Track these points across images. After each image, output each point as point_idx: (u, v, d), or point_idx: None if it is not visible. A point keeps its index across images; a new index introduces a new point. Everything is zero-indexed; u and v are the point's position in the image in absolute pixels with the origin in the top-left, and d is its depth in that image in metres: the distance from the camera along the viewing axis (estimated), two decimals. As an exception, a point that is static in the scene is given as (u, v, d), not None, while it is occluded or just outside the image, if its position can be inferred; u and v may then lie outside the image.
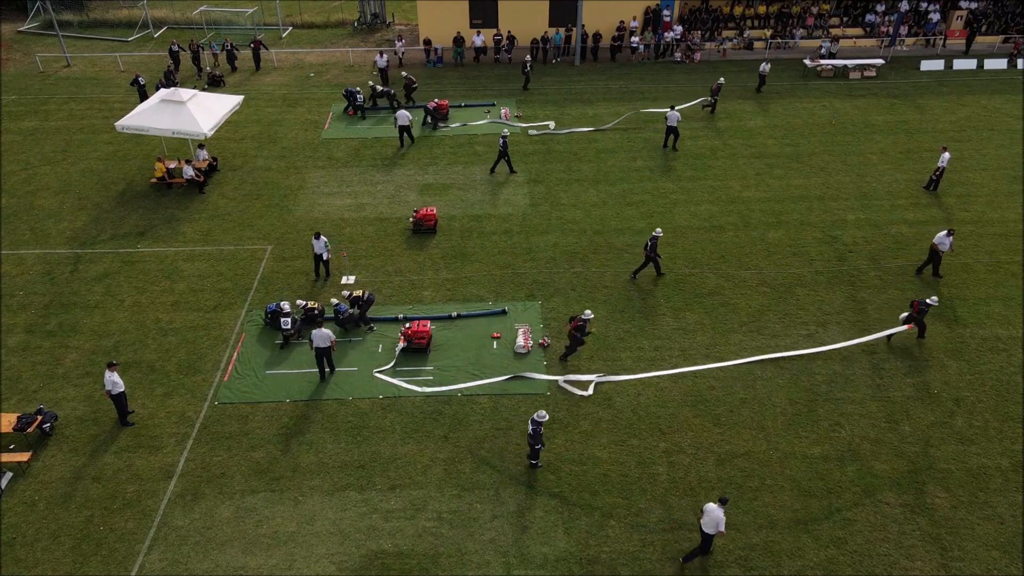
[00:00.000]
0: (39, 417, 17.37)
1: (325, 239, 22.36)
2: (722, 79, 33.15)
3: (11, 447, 17.10)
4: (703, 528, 14.28)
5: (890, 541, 15.13)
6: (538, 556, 14.89)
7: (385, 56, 37.18)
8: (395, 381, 18.95)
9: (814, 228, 25.09)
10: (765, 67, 35.20)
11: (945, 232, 21.99)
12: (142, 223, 25.74)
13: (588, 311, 19.33)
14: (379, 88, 33.97)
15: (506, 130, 29.52)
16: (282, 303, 20.08)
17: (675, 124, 29.71)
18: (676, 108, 30.33)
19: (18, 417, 17.31)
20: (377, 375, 19.22)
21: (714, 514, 14.00)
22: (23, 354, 20.04)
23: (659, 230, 22.35)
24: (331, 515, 15.74)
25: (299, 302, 21.02)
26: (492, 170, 28.69)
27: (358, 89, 33.70)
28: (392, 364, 19.52)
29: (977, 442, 17.25)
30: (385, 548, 15.09)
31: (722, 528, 14.04)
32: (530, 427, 16.16)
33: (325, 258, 22.44)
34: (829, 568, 14.65)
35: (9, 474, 16.58)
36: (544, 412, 16.12)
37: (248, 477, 16.59)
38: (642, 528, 15.41)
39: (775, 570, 14.62)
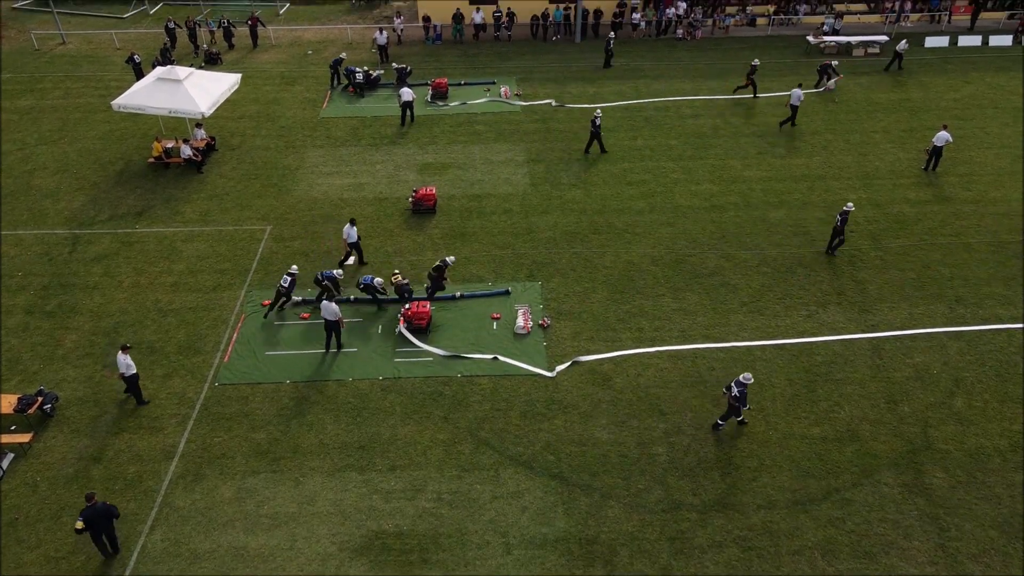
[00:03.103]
0: (40, 398, 17.39)
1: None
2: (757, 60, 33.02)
3: (12, 428, 17.14)
4: None
5: (888, 521, 15.21)
6: (537, 536, 14.98)
7: (385, 33, 36.81)
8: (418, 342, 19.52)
9: (815, 208, 24.94)
10: (904, 44, 34.71)
11: None
12: (140, 203, 25.61)
13: None
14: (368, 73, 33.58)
15: (598, 110, 28.95)
16: (376, 280, 20.43)
17: (798, 103, 29.39)
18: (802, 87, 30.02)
19: (19, 398, 17.34)
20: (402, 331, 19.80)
21: None
22: (23, 335, 20.03)
23: (850, 204, 22.19)
24: (331, 496, 15.81)
25: (394, 275, 20.90)
26: (589, 151, 28.36)
27: (356, 68, 33.42)
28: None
29: (976, 423, 17.27)
30: (385, 528, 15.17)
31: None
32: (735, 389, 16.38)
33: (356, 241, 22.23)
34: (827, 548, 14.73)
35: (10, 455, 16.64)
36: (749, 374, 16.45)
37: (249, 458, 16.65)
38: (641, 508, 15.48)
39: (773, 550, 14.70)
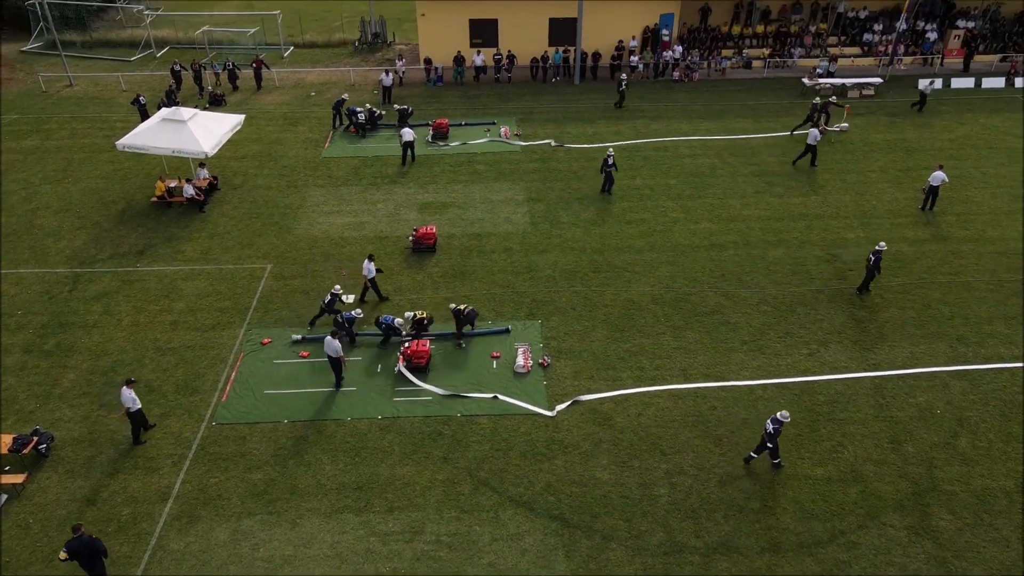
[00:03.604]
0: (35, 438, 17.23)
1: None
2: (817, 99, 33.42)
3: (6, 468, 16.92)
4: None
5: (895, 564, 14.93)
6: (538, 580, 14.70)
7: (390, 75, 37.41)
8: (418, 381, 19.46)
9: (814, 246, 25.04)
10: (927, 85, 35.37)
11: None
12: (142, 242, 25.72)
13: None
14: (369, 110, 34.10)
15: (611, 148, 29.16)
16: (396, 320, 20.62)
17: (815, 143, 29.76)
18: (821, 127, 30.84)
19: (14, 438, 17.18)
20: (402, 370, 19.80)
21: None
22: (20, 374, 19.92)
23: (883, 243, 22.14)
24: (328, 538, 15.55)
25: (407, 314, 21.03)
26: (608, 190, 28.41)
27: (359, 108, 33.91)
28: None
29: (981, 463, 17.08)
30: (383, 572, 14.89)
31: None
32: (770, 427, 16.35)
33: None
34: (833, 592, 14.46)
35: (4, 496, 16.41)
36: (787, 412, 16.38)
37: (245, 499, 16.42)
38: (643, 551, 15.21)
39: (778, 594, 14.42)
